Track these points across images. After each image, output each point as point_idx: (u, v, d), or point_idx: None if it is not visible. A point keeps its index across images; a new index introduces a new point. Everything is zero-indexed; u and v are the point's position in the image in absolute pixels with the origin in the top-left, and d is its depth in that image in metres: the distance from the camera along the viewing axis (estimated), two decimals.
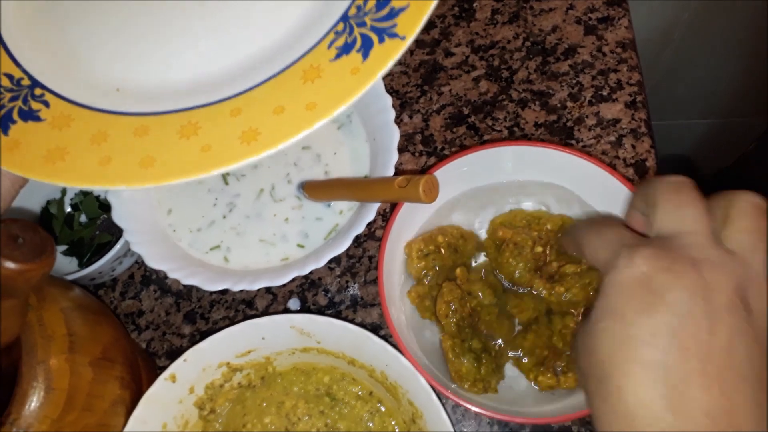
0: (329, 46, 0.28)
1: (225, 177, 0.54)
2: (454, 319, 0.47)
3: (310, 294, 0.54)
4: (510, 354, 0.47)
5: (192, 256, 0.51)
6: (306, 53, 0.28)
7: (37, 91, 0.30)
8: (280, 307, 0.54)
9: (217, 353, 0.45)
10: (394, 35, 0.26)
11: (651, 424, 0.23)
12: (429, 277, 0.49)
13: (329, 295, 0.54)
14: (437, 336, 0.48)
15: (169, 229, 0.52)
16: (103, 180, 0.27)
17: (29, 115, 0.29)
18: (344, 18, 0.28)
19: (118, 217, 0.50)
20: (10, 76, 0.31)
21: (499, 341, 0.48)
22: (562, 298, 0.47)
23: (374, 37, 0.27)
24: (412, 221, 0.51)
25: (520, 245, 0.48)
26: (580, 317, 0.47)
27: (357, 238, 0.56)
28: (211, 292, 0.55)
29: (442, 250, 0.50)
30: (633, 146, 0.57)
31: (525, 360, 0.46)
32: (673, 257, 0.25)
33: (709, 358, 0.23)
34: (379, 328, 0.53)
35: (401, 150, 0.58)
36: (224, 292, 0.55)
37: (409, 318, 0.49)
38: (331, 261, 0.55)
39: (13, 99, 0.30)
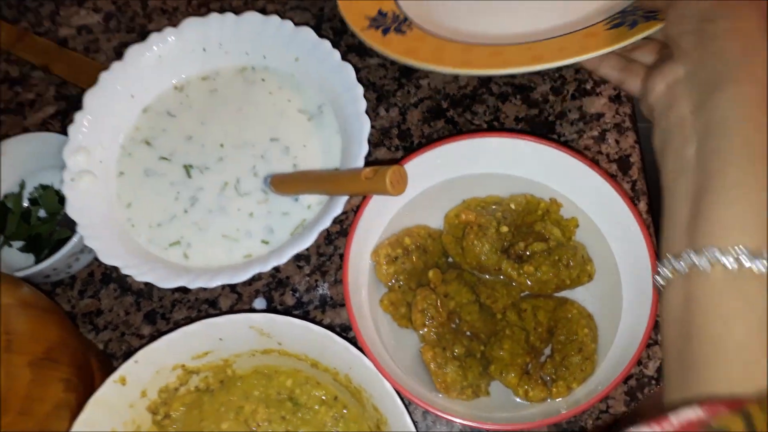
0: (605, 23, 0.44)
1: (188, 169, 0.51)
2: (433, 328, 0.44)
3: (277, 293, 0.52)
4: (492, 368, 0.44)
5: (150, 252, 0.48)
6: (588, 26, 0.45)
7: (404, 26, 0.50)
8: (246, 306, 0.51)
9: (171, 354, 0.42)
10: (653, 19, 0.41)
11: None
12: (401, 283, 0.47)
13: (297, 294, 0.51)
14: (418, 344, 0.45)
15: (127, 223, 0.50)
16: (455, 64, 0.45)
17: (397, 31, 0.49)
18: (622, 12, 0.44)
19: (72, 210, 0.47)
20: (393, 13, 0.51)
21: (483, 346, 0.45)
22: (532, 278, 0.44)
23: (637, 18, 0.42)
24: (384, 215, 0.49)
25: (484, 226, 0.46)
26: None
27: (328, 235, 0.53)
28: (173, 291, 0.52)
29: (411, 252, 0.47)
30: (617, 141, 0.54)
31: (511, 375, 0.43)
32: None
33: None
34: (348, 330, 0.50)
35: (377, 144, 0.56)
36: (186, 291, 0.52)
37: (387, 328, 0.46)
38: (300, 259, 0.52)
39: (391, 21, 0.50)
